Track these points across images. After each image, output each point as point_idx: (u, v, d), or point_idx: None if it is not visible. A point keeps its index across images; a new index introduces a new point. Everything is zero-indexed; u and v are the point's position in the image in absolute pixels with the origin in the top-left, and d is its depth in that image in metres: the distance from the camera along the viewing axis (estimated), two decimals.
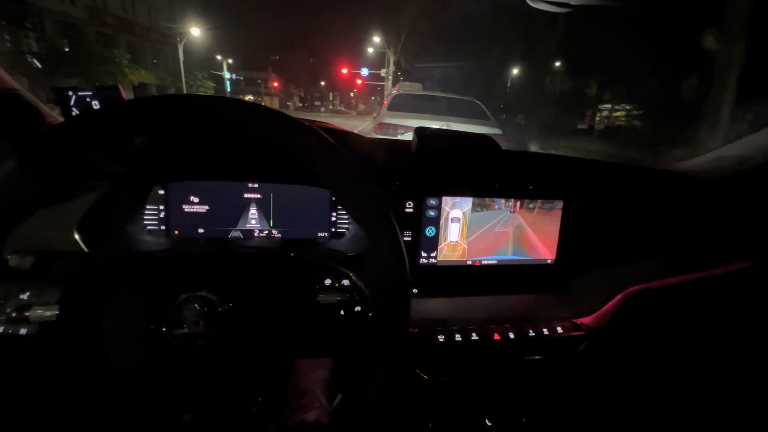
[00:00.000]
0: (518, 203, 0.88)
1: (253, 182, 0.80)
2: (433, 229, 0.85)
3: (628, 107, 12.45)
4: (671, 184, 0.95)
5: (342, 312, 0.64)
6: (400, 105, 4.95)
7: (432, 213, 0.84)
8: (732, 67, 5.09)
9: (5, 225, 0.41)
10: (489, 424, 0.81)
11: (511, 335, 0.81)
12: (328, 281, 0.64)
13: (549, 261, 0.94)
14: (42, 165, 0.40)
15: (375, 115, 4.94)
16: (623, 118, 13.13)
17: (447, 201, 0.84)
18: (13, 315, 0.53)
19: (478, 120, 4.66)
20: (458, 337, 0.78)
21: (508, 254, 0.92)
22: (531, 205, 0.89)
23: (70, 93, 0.69)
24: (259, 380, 0.66)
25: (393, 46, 23.00)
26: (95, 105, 0.71)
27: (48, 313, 0.53)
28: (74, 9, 19.49)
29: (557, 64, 15.29)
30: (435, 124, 4.23)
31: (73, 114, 0.68)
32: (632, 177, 0.94)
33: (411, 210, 0.82)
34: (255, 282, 0.62)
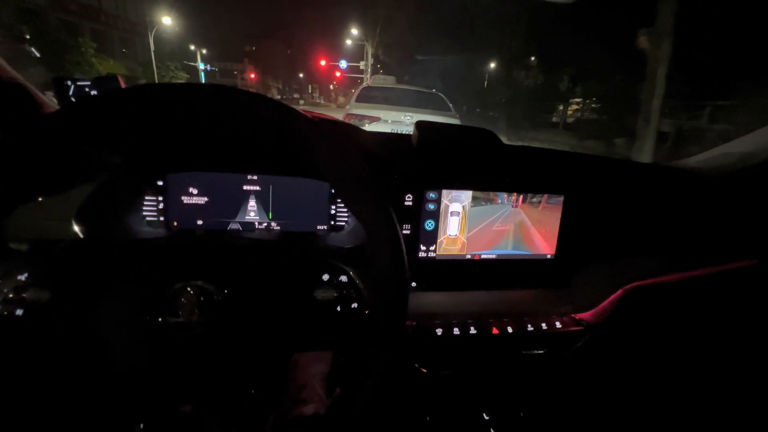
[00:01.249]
0: (520, 197, 0.88)
1: (253, 174, 0.80)
2: (433, 222, 0.85)
3: (593, 102, 13.07)
4: (674, 180, 0.94)
5: (338, 308, 0.64)
6: (367, 97, 5.20)
7: (431, 206, 0.84)
8: (660, 65, 5.64)
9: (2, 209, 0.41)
10: (487, 418, 0.80)
11: (510, 329, 0.81)
12: (325, 276, 0.64)
13: (549, 256, 0.94)
14: (36, 152, 0.40)
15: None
16: (589, 113, 13.78)
17: (446, 194, 0.84)
18: (10, 296, 0.52)
19: (439, 111, 4.95)
20: (456, 331, 0.78)
21: (507, 249, 0.91)
22: (534, 200, 0.89)
23: (69, 83, 0.70)
24: (256, 372, 0.66)
25: (371, 39, 23.01)
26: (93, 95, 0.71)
27: (43, 295, 0.53)
28: None
29: (531, 59, 15.81)
30: (397, 115, 4.50)
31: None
32: (634, 172, 0.94)
33: (410, 203, 0.82)
34: (251, 273, 0.63)
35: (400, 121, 4.48)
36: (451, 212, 0.86)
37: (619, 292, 0.89)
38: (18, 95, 0.70)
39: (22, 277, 0.54)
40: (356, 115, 4.73)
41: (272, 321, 0.63)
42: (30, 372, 0.56)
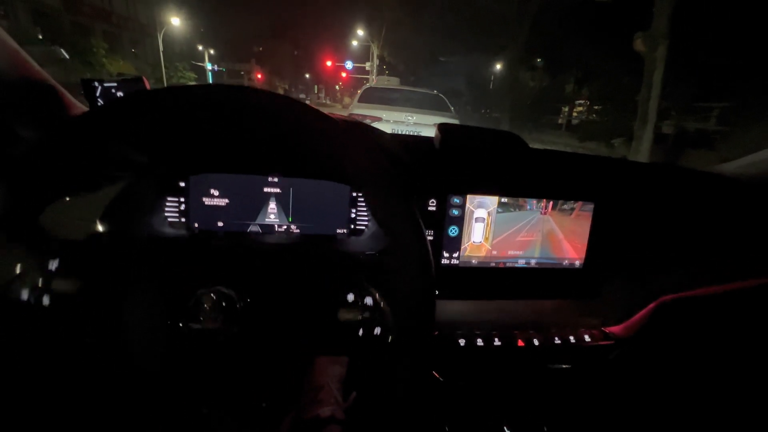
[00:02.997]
0: (549, 204, 0.85)
1: (273, 176, 0.80)
2: (457, 228, 0.83)
3: (594, 104, 13.12)
4: (710, 187, 0.89)
5: (360, 333, 0.61)
6: (370, 97, 5.37)
7: (456, 212, 0.82)
8: (656, 67, 5.77)
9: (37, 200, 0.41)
10: (508, 431, 0.77)
11: (536, 342, 0.78)
12: (350, 297, 0.61)
13: (577, 265, 0.90)
14: (68, 152, 0.40)
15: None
16: (593, 114, 13.83)
17: (471, 200, 0.82)
18: (39, 284, 0.52)
19: (439, 111, 5.10)
20: (480, 342, 0.76)
21: (534, 257, 0.88)
22: (566, 207, 0.85)
23: (96, 84, 0.72)
24: (274, 376, 0.64)
25: (377, 40, 23.15)
26: (120, 96, 0.73)
27: (71, 286, 0.53)
28: None
29: (537, 60, 15.90)
30: (399, 115, 4.67)
31: (99, 104, 0.71)
32: (668, 178, 0.89)
33: (434, 208, 0.80)
34: (274, 281, 0.62)
35: (401, 121, 4.65)
36: (476, 218, 0.83)
37: (652, 304, 0.85)
38: (48, 96, 0.71)
39: (53, 267, 0.53)
40: (359, 115, 4.89)
41: (293, 333, 0.62)
42: (50, 363, 0.54)
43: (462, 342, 0.76)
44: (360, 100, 5.30)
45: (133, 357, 0.55)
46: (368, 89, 5.75)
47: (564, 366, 0.80)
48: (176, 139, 0.67)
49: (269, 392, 0.63)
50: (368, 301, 0.61)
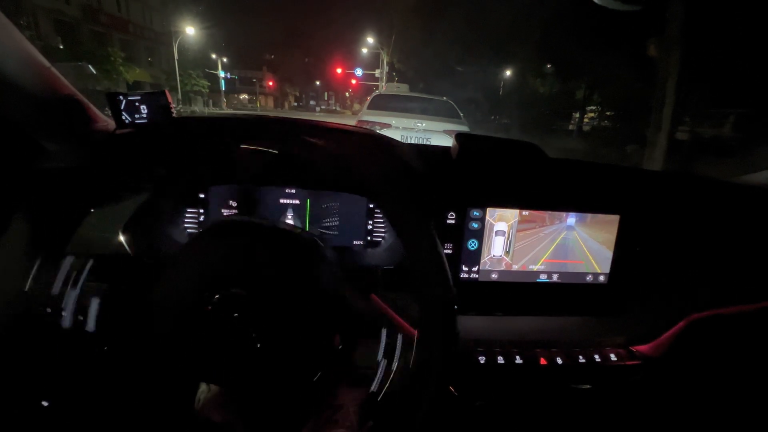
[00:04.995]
0: (573, 217, 0.82)
1: (291, 188, 0.80)
2: (476, 242, 0.81)
3: (606, 110, 12.98)
4: (742, 199, 0.86)
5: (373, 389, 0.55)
6: (379, 104, 5.37)
7: (475, 225, 0.80)
8: (670, 73, 5.66)
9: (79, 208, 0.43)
10: None
11: (559, 360, 0.75)
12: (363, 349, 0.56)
13: (602, 281, 0.87)
14: (103, 167, 0.41)
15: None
16: (605, 120, 13.67)
17: (491, 212, 0.80)
18: (69, 297, 0.50)
19: (449, 118, 5.06)
20: (501, 360, 0.73)
21: (556, 271, 0.85)
22: (588, 220, 0.82)
23: (121, 98, 0.73)
24: (291, 389, 0.62)
25: (386, 47, 23.36)
26: (143, 109, 0.74)
27: (98, 297, 0.52)
28: (68, 8, 19.62)
29: (547, 66, 15.84)
30: (408, 122, 4.65)
31: (123, 117, 0.72)
32: (697, 189, 0.86)
33: (453, 221, 0.78)
34: (290, 291, 0.57)
35: (411, 128, 4.62)
36: (496, 231, 0.81)
37: (682, 322, 0.80)
38: (75, 111, 0.74)
39: (82, 277, 0.53)
40: (368, 122, 4.89)
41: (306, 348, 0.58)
42: (75, 370, 0.55)
43: (482, 359, 0.73)
44: (369, 107, 5.30)
45: (152, 360, 0.55)
46: (377, 96, 5.75)
47: (589, 386, 0.76)
48: (198, 156, 0.69)
49: (288, 402, 0.62)
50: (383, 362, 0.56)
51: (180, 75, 22.95)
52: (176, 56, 21.83)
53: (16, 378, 0.48)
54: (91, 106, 0.78)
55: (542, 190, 0.80)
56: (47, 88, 0.68)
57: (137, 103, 0.75)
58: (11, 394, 0.47)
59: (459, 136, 0.77)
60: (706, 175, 0.92)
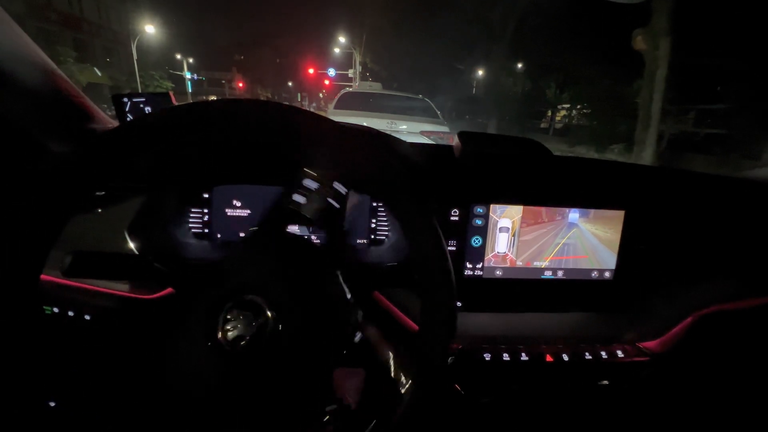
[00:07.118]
0: (577, 213, 0.81)
1: None
2: (480, 239, 0.81)
3: (583, 108, 13.04)
4: (749, 194, 0.85)
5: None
6: (349, 103, 4.93)
7: (479, 222, 0.80)
8: (659, 66, 5.47)
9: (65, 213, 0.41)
10: None
11: (565, 357, 0.75)
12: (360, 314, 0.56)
13: (608, 277, 0.86)
14: (99, 165, 0.40)
15: None
16: (579, 118, 13.78)
17: (495, 209, 0.79)
18: (80, 300, 0.56)
19: (426, 118, 4.67)
20: (506, 357, 0.73)
21: (561, 268, 0.85)
22: (592, 216, 0.82)
23: (126, 99, 0.75)
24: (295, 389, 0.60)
25: (358, 47, 22.96)
26: (148, 111, 0.75)
27: (110, 302, 0.57)
28: (11, 3, 18.11)
29: (518, 65, 15.85)
30: (381, 122, 4.21)
31: (128, 119, 0.73)
32: (703, 185, 0.85)
33: (457, 218, 0.78)
34: (296, 290, 0.55)
35: (384, 130, 4.22)
36: (500, 228, 0.81)
37: (690, 318, 0.80)
38: (77, 110, 0.73)
39: (94, 282, 0.58)
40: None
41: (316, 344, 0.55)
42: (86, 377, 0.56)
43: (487, 356, 0.73)
44: (337, 107, 4.84)
45: (162, 372, 0.53)
46: (346, 94, 5.28)
47: (596, 383, 0.76)
48: (199, 152, 0.71)
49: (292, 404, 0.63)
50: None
51: (141, 76, 21.74)
52: (135, 56, 20.61)
53: (20, 378, 0.47)
54: (94, 105, 0.77)
55: (546, 186, 0.80)
56: (50, 87, 0.68)
57: (142, 105, 0.77)
58: (17, 394, 0.47)
59: (461, 134, 0.77)
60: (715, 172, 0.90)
